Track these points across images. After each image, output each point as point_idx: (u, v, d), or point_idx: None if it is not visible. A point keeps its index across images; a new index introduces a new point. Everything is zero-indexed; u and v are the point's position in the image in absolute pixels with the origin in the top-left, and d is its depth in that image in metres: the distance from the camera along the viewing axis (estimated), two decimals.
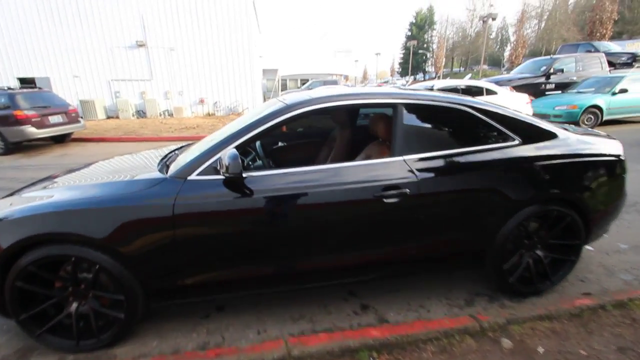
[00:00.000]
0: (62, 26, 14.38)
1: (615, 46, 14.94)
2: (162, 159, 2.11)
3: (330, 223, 1.74)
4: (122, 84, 15.32)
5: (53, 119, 7.70)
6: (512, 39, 45.13)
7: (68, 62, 14.76)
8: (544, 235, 2.01)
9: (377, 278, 1.91)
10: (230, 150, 1.55)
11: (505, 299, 2.03)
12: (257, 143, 2.43)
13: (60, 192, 1.75)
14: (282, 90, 23.78)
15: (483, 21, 26.72)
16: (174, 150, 2.34)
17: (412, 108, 1.86)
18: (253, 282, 1.78)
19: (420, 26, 61.11)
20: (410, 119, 1.85)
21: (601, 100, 7.75)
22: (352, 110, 2.84)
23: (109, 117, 15.05)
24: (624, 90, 7.78)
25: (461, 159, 1.84)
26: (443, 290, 2.14)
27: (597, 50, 13.04)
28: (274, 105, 1.94)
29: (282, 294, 2.05)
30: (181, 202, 1.58)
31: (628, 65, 12.11)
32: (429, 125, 1.95)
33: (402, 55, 64.36)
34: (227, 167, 1.52)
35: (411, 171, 1.77)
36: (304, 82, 26.75)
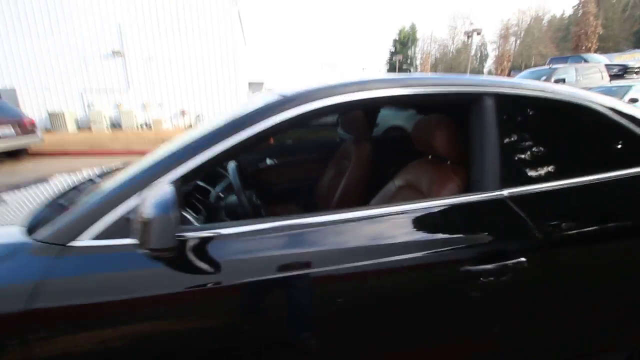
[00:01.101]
0: (30, 34, 13.35)
1: (604, 58, 15.01)
2: (59, 196, 1.21)
3: (376, 331, 0.89)
4: (96, 94, 14.27)
5: (1, 131, 6.65)
6: (492, 54, 46.77)
7: (36, 72, 13.66)
8: None
9: None
10: (159, 191, 0.70)
11: None
12: (232, 165, 1.55)
13: None
14: None
15: (468, 36, 27.01)
16: (94, 177, 1.43)
17: (510, 103, 1.06)
18: None
19: (404, 43, 62.47)
20: (509, 122, 1.05)
21: None
22: (373, 112, 2.04)
23: (80, 130, 13.90)
24: (634, 100, 7.36)
25: (611, 193, 1.04)
26: None
27: (586, 62, 12.98)
28: (262, 99, 1.10)
29: None
30: (48, 294, 0.71)
31: (619, 76, 11.99)
32: (542, 133, 1.15)
33: (387, 70, 65.34)
34: (143, 233, 0.67)
35: (525, 220, 0.95)
36: None
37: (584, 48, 22.48)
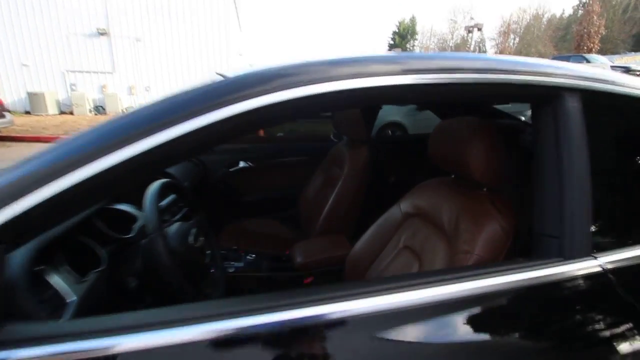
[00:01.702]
0: (9, 7, 12.50)
1: (605, 59, 14.82)
2: None
3: None
4: (79, 75, 13.56)
5: None
6: (490, 51, 46.57)
7: (15, 49, 12.86)
8: None
9: None
10: None
11: None
12: (155, 184, 1.03)
13: None
14: None
15: (469, 31, 26.54)
16: None
17: (611, 106, 0.67)
18: None
19: (403, 35, 61.61)
20: (608, 138, 0.65)
21: None
22: (373, 110, 1.63)
23: (62, 113, 13.24)
24: None
25: None
26: None
27: (588, 62, 12.83)
28: (202, 84, 0.66)
29: None
30: None
31: None
32: None
33: None
34: None
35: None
36: None
37: (585, 48, 22.22)
